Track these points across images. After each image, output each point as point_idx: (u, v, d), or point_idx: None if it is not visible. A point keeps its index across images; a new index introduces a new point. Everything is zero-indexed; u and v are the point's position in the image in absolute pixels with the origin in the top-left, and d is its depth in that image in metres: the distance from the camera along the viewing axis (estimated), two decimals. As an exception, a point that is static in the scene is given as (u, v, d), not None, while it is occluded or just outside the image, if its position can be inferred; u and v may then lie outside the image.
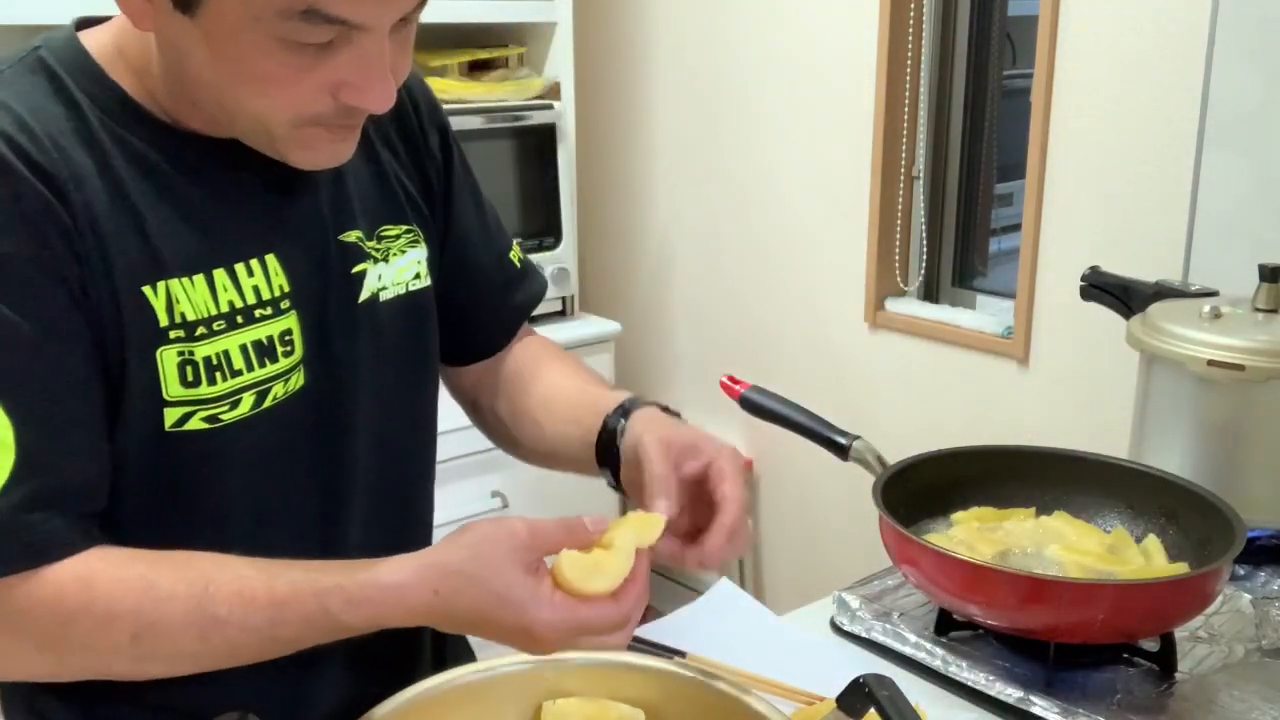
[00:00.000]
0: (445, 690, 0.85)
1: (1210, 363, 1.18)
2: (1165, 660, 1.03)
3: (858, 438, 1.17)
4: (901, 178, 2.24)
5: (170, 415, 0.81)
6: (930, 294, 2.31)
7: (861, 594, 1.16)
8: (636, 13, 2.67)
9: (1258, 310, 1.25)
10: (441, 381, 1.06)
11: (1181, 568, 1.07)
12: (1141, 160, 1.82)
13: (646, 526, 0.82)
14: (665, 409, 0.97)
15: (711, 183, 2.58)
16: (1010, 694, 1.00)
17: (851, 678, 0.79)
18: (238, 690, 0.83)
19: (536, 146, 2.38)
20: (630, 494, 0.94)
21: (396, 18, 0.75)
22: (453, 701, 0.85)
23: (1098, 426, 1.88)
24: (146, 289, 0.79)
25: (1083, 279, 1.46)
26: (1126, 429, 1.33)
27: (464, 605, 0.76)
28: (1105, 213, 1.88)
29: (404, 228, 0.95)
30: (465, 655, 1.09)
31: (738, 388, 1.26)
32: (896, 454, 1.16)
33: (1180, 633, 1.05)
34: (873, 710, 0.77)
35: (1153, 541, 1.11)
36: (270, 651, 0.79)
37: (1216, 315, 1.22)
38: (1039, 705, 0.98)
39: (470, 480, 2.23)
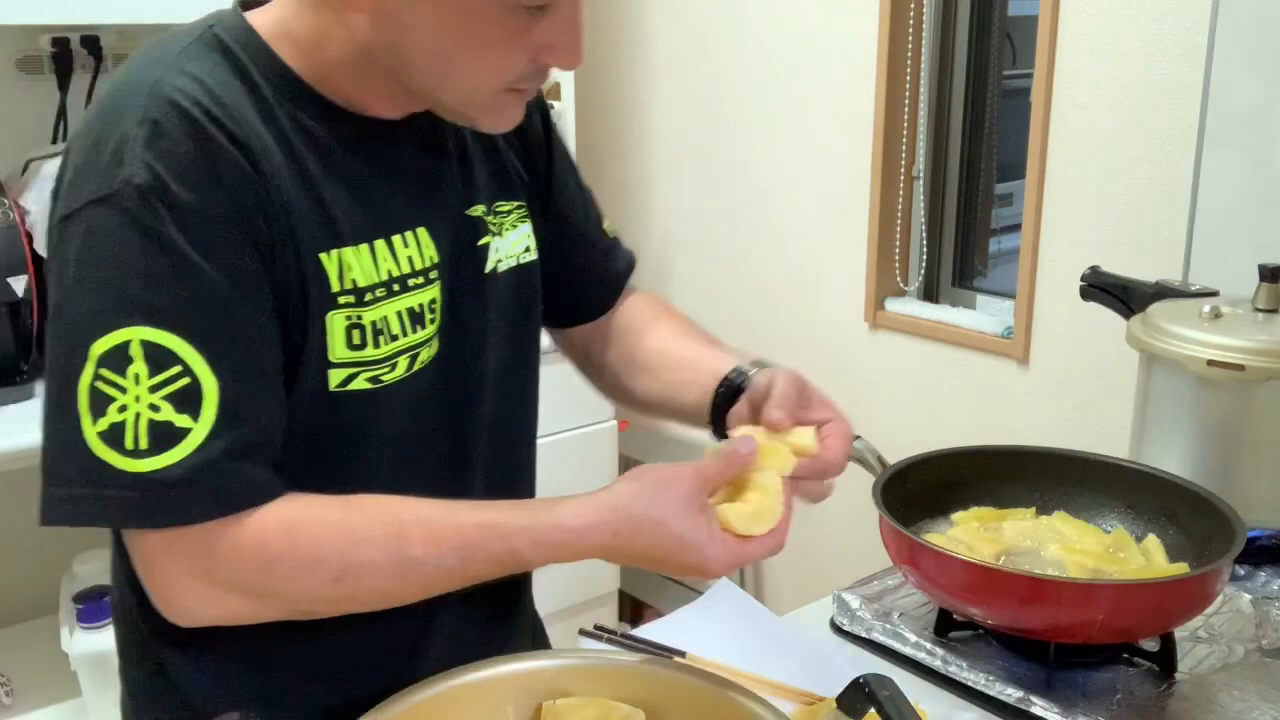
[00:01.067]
0: (445, 690, 0.85)
1: (1210, 363, 1.18)
2: (1165, 660, 1.03)
3: (858, 437, 1.17)
4: (901, 178, 2.24)
5: (335, 376, 0.86)
6: (930, 294, 2.31)
7: (861, 594, 1.16)
8: (637, 13, 2.67)
9: (1258, 310, 1.25)
10: (564, 350, 1.17)
11: (1181, 568, 1.06)
12: (1141, 160, 1.82)
13: (781, 457, 0.91)
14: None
15: (711, 183, 2.58)
16: (1010, 694, 1.00)
17: (851, 678, 0.79)
18: (364, 642, 0.92)
19: (537, 146, 2.38)
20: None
21: None
22: (453, 701, 0.85)
23: (1098, 426, 1.88)
24: (323, 255, 0.84)
25: (1083, 279, 1.46)
26: (1126, 429, 1.33)
27: (641, 546, 0.83)
28: (1105, 213, 1.88)
29: (515, 203, 1.01)
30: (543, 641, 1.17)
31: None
32: (896, 454, 1.16)
33: (1180, 633, 1.05)
34: (873, 710, 0.77)
35: (1153, 541, 1.11)
36: (456, 585, 0.85)
37: (1216, 315, 1.22)
38: (1039, 705, 0.98)
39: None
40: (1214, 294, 1.34)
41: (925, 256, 2.25)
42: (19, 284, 1.83)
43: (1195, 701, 0.99)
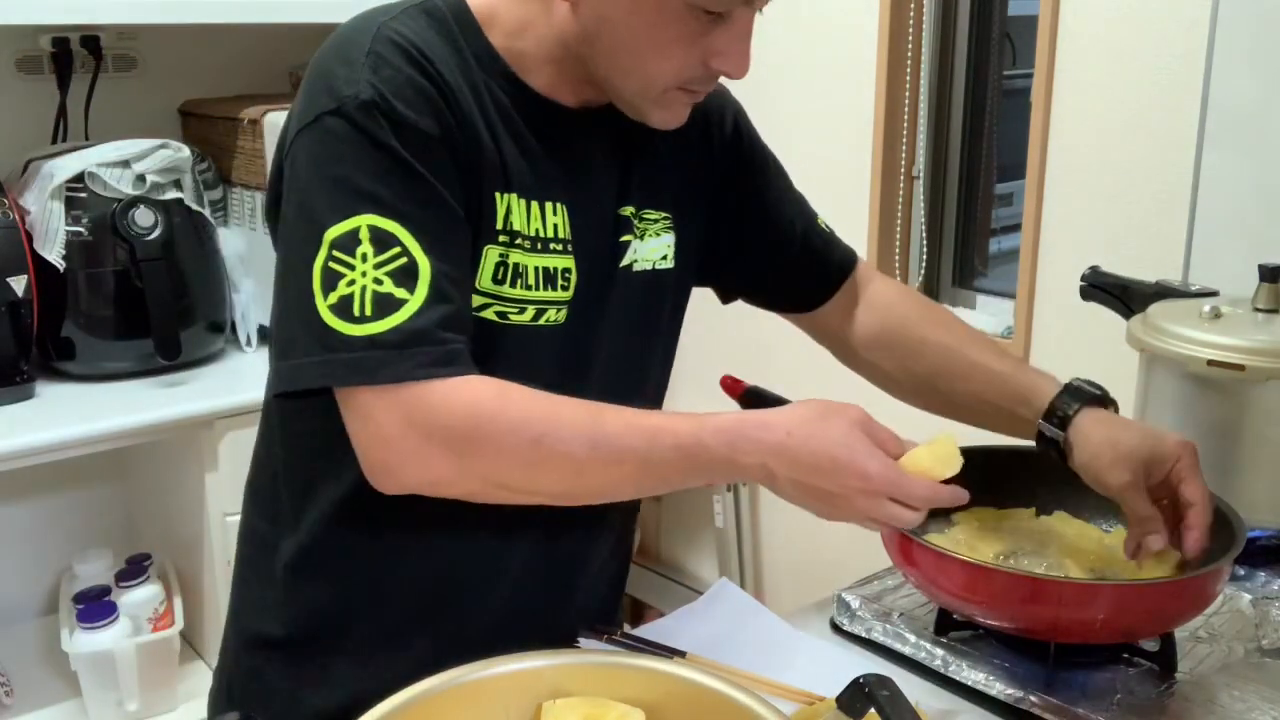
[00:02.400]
0: (445, 690, 0.85)
1: (1210, 363, 1.18)
2: (1165, 660, 1.03)
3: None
4: (901, 178, 2.24)
5: (474, 301, 0.96)
6: (930, 294, 2.31)
7: (861, 594, 1.16)
8: (636, 13, 2.67)
9: (1258, 310, 1.25)
10: (806, 330, 1.26)
11: (1181, 568, 1.06)
12: (1141, 160, 1.82)
13: (943, 452, 0.93)
14: (1101, 399, 1.09)
15: (711, 183, 2.57)
16: (1010, 694, 1.00)
17: (851, 678, 0.79)
18: (443, 568, 1.04)
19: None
20: (1097, 486, 1.06)
21: None
22: (453, 701, 0.85)
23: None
24: (497, 194, 0.96)
25: (1083, 279, 1.46)
26: (1126, 429, 1.32)
27: (813, 447, 0.88)
28: (1105, 213, 1.88)
29: (663, 214, 1.09)
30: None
31: (738, 387, 1.26)
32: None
33: (1180, 633, 1.05)
34: (873, 710, 0.77)
35: (1153, 541, 1.11)
36: (641, 478, 0.92)
37: (1216, 315, 1.22)
38: (1039, 705, 0.98)
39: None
40: (1214, 294, 1.34)
41: (925, 256, 2.25)
42: (19, 284, 1.83)
43: (1195, 701, 0.99)
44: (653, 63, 0.94)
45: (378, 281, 0.88)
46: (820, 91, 2.31)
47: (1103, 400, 1.09)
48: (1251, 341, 1.18)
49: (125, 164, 1.91)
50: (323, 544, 1.04)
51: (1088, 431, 1.06)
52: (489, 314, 0.97)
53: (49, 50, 2.13)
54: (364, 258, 0.88)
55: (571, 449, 0.89)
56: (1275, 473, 1.21)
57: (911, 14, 2.15)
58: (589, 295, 1.03)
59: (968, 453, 1.19)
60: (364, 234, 0.89)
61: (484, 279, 0.96)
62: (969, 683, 1.03)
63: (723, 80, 1.00)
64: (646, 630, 1.15)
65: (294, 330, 0.90)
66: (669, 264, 1.10)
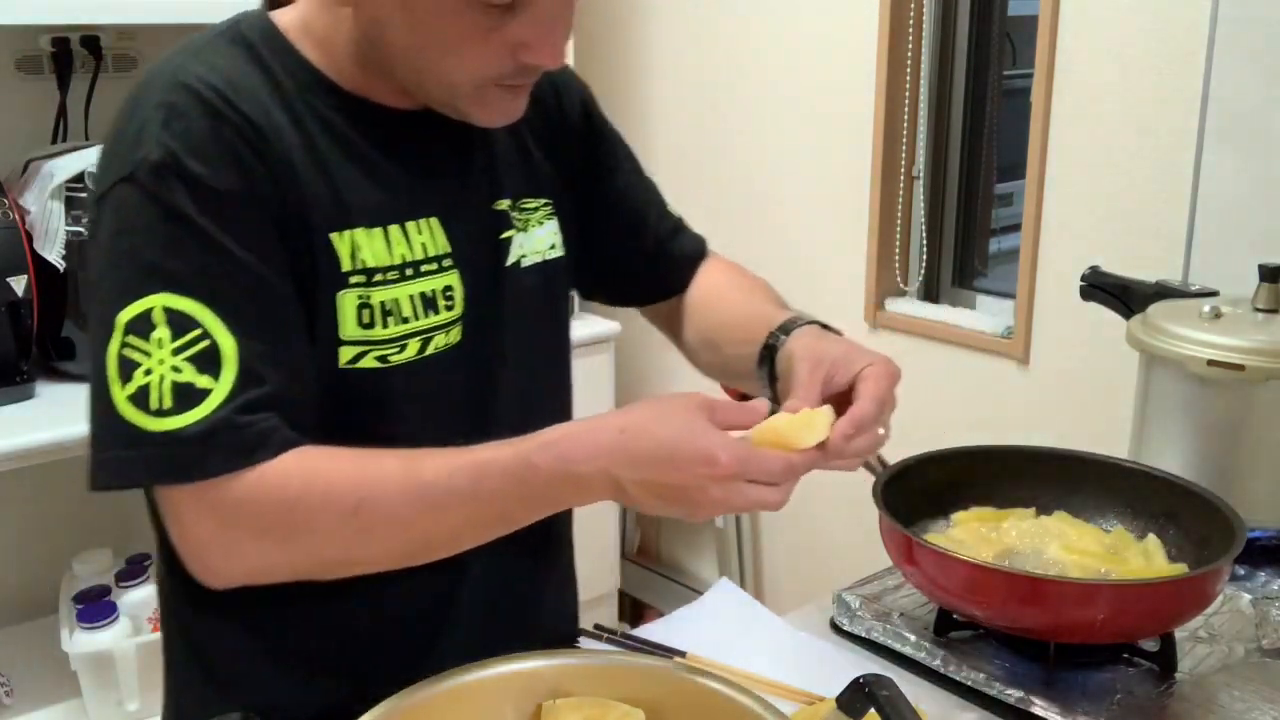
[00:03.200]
0: (445, 690, 0.85)
1: (1210, 363, 1.18)
2: (1165, 660, 1.03)
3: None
4: (901, 178, 2.24)
5: (345, 354, 0.89)
6: (930, 294, 2.31)
7: (861, 594, 1.16)
8: (636, 13, 2.67)
9: (1258, 310, 1.25)
10: (660, 327, 1.21)
11: (1181, 568, 1.06)
12: (1141, 160, 1.82)
13: (814, 423, 0.87)
14: (825, 326, 1.03)
15: (711, 183, 2.58)
16: (1010, 694, 1.00)
17: (851, 678, 0.79)
18: (392, 606, 0.95)
19: (537, 146, 2.38)
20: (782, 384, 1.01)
21: None
22: (453, 701, 0.85)
23: (1098, 426, 1.88)
24: (334, 235, 0.88)
25: (1083, 279, 1.46)
26: (1126, 429, 1.32)
27: (649, 441, 0.81)
28: (1105, 213, 1.88)
29: (542, 200, 1.04)
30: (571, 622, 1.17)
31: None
32: (896, 454, 1.16)
33: (1180, 633, 1.05)
34: (873, 710, 0.77)
35: (1153, 541, 1.11)
36: (478, 519, 0.86)
37: (1216, 315, 1.22)
38: (1039, 705, 0.98)
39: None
40: (1214, 294, 1.34)
41: (925, 256, 2.25)
42: (19, 284, 1.83)
43: (1195, 701, 0.99)
44: (445, 65, 0.86)
45: (176, 369, 0.81)
46: (820, 91, 2.31)
47: (826, 327, 1.03)
48: (1251, 341, 1.18)
49: (125, 164, 1.90)
50: (245, 624, 0.95)
51: (800, 338, 1.00)
52: (369, 361, 0.90)
53: (49, 50, 2.13)
54: (160, 343, 0.81)
55: (393, 509, 0.83)
56: (1275, 473, 1.21)
57: (911, 14, 2.15)
58: (481, 305, 0.97)
59: (969, 453, 1.20)
60: (158, 316, 0.81)
61: (348, 328, 0.89)
62: (969, 683, 1.03)
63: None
64: (646, 630, 1.15)
65: (96, 421, 0.83)
66: (558, 252, 1.05)
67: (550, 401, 1.09)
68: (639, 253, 1.16)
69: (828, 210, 2.34)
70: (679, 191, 2.81)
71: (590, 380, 2.43)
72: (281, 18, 0.92)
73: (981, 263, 2.31)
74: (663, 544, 2.87)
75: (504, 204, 1.00)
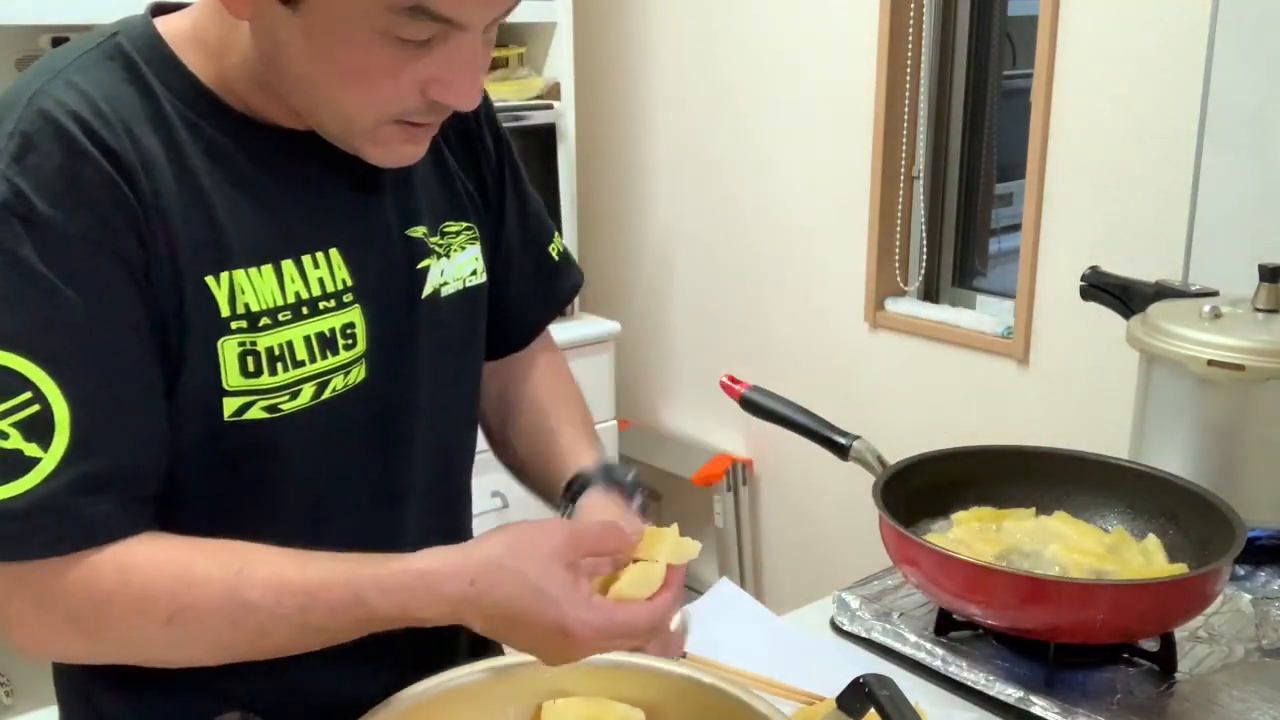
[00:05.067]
0: (445, 690, 0.85)
1: (1210, 363, 1.18)
2: (1165, 660, 1.03)
3: (858, 438, 1.17)
4: (901, 178, 2.24)
5: (230, 405, 0.81)
6: (930, 294, 2.31)
7: (861, 594, 1.16)
8: (636, 13, 2.67)
9: (1258, 310, 1.25)
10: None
11: (1181, 568, 1.07)
12: (1141, 160, 1.82)
13: (681, 547, 0.84)
14: (617, 482, 0.96)
15: (712, 183, 2.58)
16: (1010, 694, 1.00)
17: (851, 678, 0.79)
18: (286, 676, 0.84)
19: (537, 146, 2.38)
20: None
21: (494, 17, 0.77)
22: (453, 701, 0.85)
23: (1098, 426, 1.88)
24: (209, 279, 0.79)
25: (1083, 279, 1.46)
26: (1126, 429, 1.33)
27: (500, 596, 0.76)
28: (1105, 213, 1.88)
29: (464, 224, 0.96)
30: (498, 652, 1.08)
31: (738, 388, 1.26)
32: (896, 454, 1.16)
33: (1180, 633, 1.05)
34: (873, 710, 0.77)
35: (1153, 541, 1.11)
36: (302, 641, 0.78)
37: (1216, 315, 1.22)
38: (1039, 705, 0.98)
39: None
40: (1214, 294, 1.34)
41: (925, 256, 2.25)
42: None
43: (1195, 701, 0.99)
44: (345, 97, 0.78)
45: (2, 435, 0.72)
46: (820, 92, 2.31)
47: (620, 484, 0.97)
48: (1251, 341, 1.18)
49: (125, 164, 1.90)
50: (142, 693, 0.88)
51: (587, 500, 0.95)
52: (256, 412, 0.81)
53: (49, 50, 2.13)
54: None
55: (209, 627, 0.76)
56: (1275, 473, 1.21)
57: (911, 14, 2.15)
58: (389, 340, 0.88)
59: (969, 453, 1.20)
60: None
61: (231, 378, 0.80)
62: (969, 683, 1.03)
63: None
64: (646, 630, 1.15)
65: None
66: (479, 279, 0.97)
67: (464, 430, 1.02)
68: (512, 299, 1.05)
69: (828, 210, 2.35)
70: (679, 191, 2.82)
71: (590, 380, 2.43)
72: (168, 25, 0.82)
73: (981, 263, 2.31)
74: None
75: (420, 230, 0.91)
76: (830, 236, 2.34)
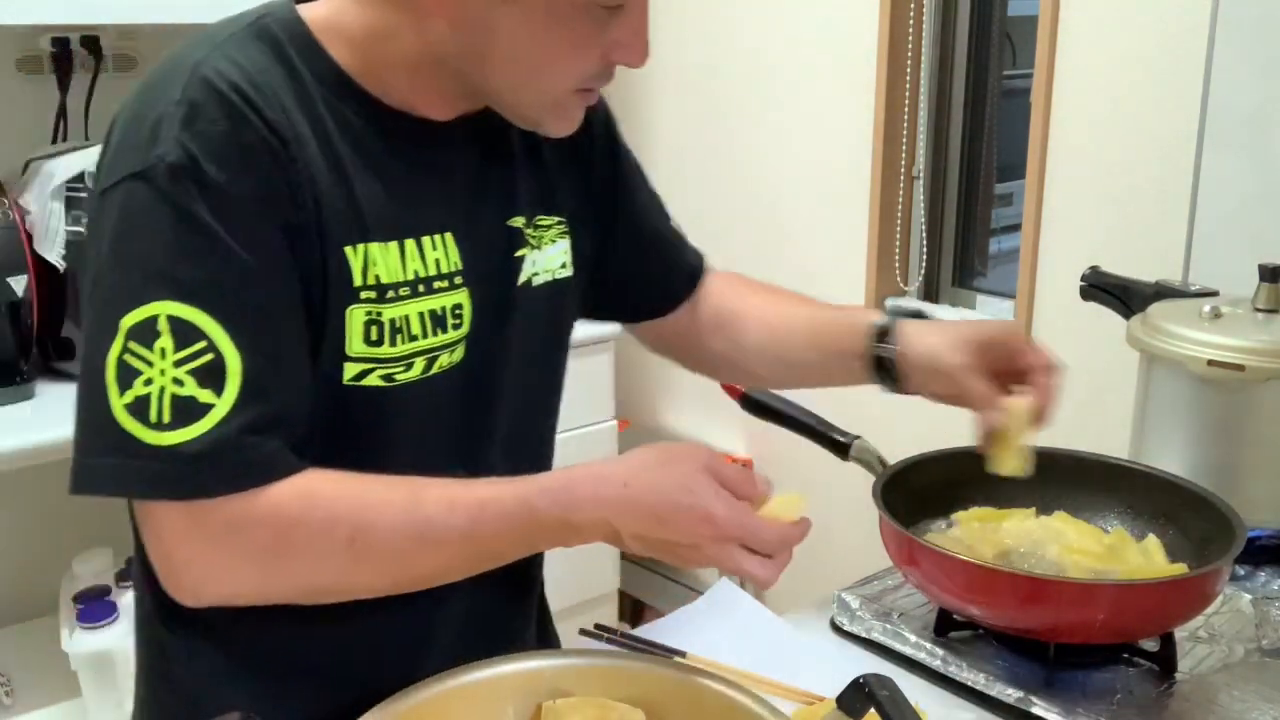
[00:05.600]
0: (445, 690, 0.85)
1: (1210, 363, 1.18)
2: (1165, 660, 1.03)
3: (858, 437, 1.17)
4: (901, 178, 2.24)
5: (349, 370, 0.86)
6: (930, 294, 2.31)
7: (861, 594, 1.16)
8: (636, 13, 2.67)
9: (1258, 310, 1.25)
10: (641, 340, 1.22)
11: (1181, 568, 1.06)
12: (1141, 160, 1.82)
13: (795, 502, 0.90)
14: (917, 314, 1.07)
15: (711, 182, 2.58)
16: (1010, 694, 1.00)
17: (851, 678, 0.79)
18: (366, 637, 0.93)
19: (537, 146, 2.38)
20: (939, 399, 1.07)
21: None
22: (453, 701, 0.85)
23: (1098, 426, 1.88)
24: (348, 249, 0.85)
25: (1083, 279, 1.46)
26: (1126, 429, 1.32)
27: (651, 497, 0.81)
28: (1105, 213, 1.88)
29: (556, 218, 1.01)
30: (553, 637, 1.17)
31: (738, 387, 1.26)
32: (896, 454, 1.16)
33: (1180, 633, 1.05)
34: (873, 710, 0.77)
35: (1153, 541, 1.11)
36: (471, 556, 0.85)
37: (1216, 315, 1.22)
38: (1039, 705, 0.98)
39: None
40: (1214, 294, 1.34)
41: (925, 256, 2.25)
42: (19, 284, 1.83)
43: (1195, 701, 0.99)
44: (550, 70, 0.86)
45: (178, 382, 0.77)
46: (820, 91, 2.31)
47: (919, 315, 1.08)
48: (1251, 341, 1.18)
49: (125, 164, 1.90)
50: (218, 644, 0.93)
51: (915, 336, 1.06)
52: (374, 379, 0.87)
53: (49, 50, 2.13)
54: (163, 353, 0.77)
55: (390, 542, 0.82)
56: (1275, 473, 1.21)
57: (911, 14, 2.15)
58: (487, 324, 0.94)
59: (969, 453, 1.19)
60: (163, 324, 0.78)
61: (354, 343, 0.86)
62: (969, 683, 1.03)
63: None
64: (646, 630, 1.15)
65: (88, 425, 0.79)
66: (568, 271, 1.02)
67: (542, 423, 1.07)
68: (650, 268, 1.15)
69: (828, 210, 2.34)
70: (679, 191, 2.81)
71: (590, 380, 2.43)
72: (310, 12, 0.88)
73: (981, 263, 2.31)
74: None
75: (518, 220, 0.97)
76: (830, 236, 2.34)
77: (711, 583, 1.26)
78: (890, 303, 2.28)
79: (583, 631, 1.12)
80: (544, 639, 1.14)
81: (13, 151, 2.03)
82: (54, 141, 2.14)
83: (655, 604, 2.78)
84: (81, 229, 1.86)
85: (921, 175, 2.24)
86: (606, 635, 1.11)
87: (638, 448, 0.86)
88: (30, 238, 1.86)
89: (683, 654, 1.07)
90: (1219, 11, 1.67)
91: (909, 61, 2.18)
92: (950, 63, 2.22)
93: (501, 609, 1.04)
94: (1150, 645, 1.04)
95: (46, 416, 1.80)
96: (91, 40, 2.15)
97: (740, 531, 0.82)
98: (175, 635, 0.94)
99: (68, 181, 1.87)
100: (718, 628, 1.15)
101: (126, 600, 1.94)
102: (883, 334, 1.08)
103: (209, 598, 0.84)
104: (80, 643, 1.87)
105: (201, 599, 0.83)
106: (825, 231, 2.36)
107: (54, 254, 1.85)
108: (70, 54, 2.14)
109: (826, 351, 1.12)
